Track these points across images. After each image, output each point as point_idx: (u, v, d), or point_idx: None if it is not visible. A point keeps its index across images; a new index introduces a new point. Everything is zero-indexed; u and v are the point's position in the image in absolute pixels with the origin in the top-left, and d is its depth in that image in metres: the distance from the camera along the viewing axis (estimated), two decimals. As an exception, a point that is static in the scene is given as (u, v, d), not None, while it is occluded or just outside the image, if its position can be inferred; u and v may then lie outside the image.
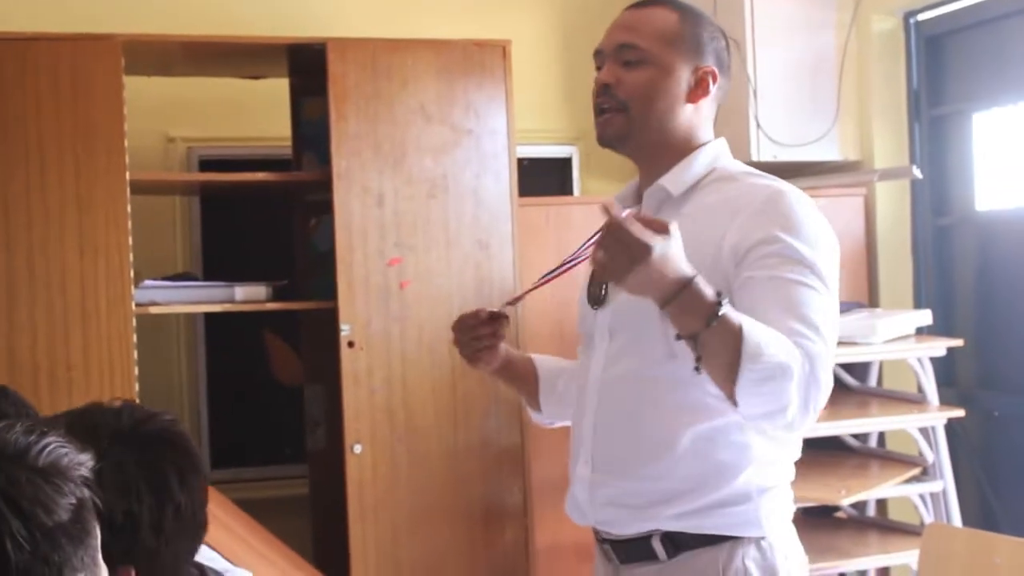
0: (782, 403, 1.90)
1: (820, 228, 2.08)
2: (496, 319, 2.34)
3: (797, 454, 2.22)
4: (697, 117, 2.23)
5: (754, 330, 1.87)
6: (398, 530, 4.04)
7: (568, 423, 2.46)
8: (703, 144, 2.24)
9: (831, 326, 2.01)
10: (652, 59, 2.17)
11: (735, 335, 1.85)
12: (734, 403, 1.93)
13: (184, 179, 4.61)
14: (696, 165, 2.21)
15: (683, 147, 2.22)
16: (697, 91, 2.21)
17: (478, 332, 2.33)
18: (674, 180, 2.20)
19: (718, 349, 1.87)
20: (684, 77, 2.19)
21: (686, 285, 1.85)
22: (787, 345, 1.90)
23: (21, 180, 3.73)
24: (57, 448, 1.55)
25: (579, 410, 2.30)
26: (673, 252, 1.84)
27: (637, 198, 2.31)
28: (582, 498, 2.25)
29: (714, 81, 2.22)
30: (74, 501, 1.52)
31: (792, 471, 2.22)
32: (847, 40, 4.66)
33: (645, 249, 1.80)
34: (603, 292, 2.23)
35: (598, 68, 2.25)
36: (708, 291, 1.86)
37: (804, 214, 2.07)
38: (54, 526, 1.42)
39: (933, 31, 4.62)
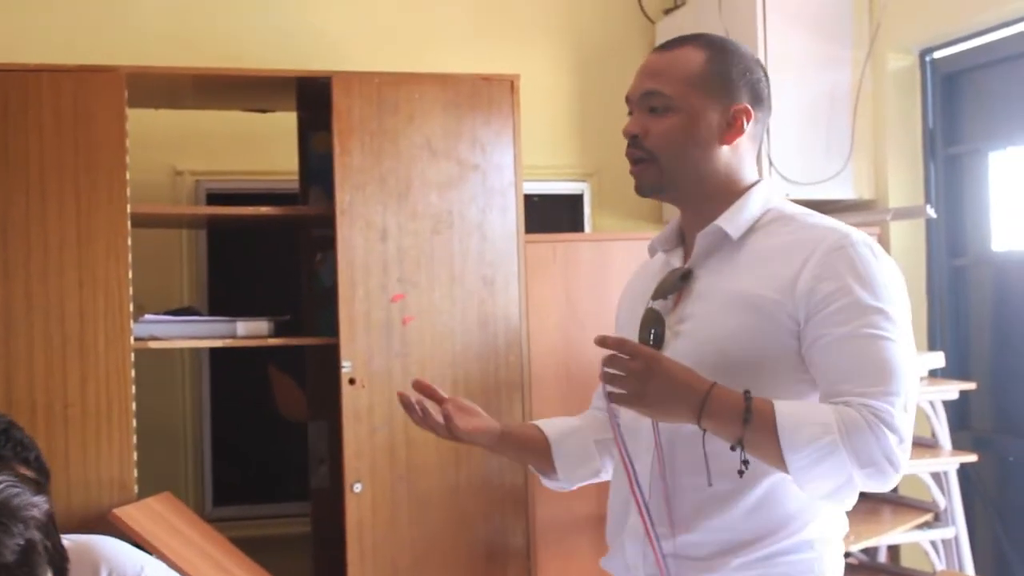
0: (843, 477, 1.89)
1: (890, 274, 2.03)
2: (441, 399, 2.34)
3: (852, 505, 2.14)
4: (735, 157, 2.16)
5: (789, 416, 1.90)
6: (398, 572, 3.97)
7: (587, 483, 2.41)
8: (751, 184, 2.18)
9: (909, 371, 1.96)
10: (678, 105, 2.12)
11: (772, 428, 1.89)
12: (802, 489, 1.96)
13: (185, 212, 4.57)
14: (751, 206, 2.15)
15: (726, 188, 2.16)
16: (731, 132, 2.13)
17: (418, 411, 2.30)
18: (731, 221, 2.14)
19: (761, 446, 1.92)
20: (714, 119, 2.12)
21: (709, 391, 1.91)
22: (826, 419, 1.88)
23: (21, 211, 3.70)
24: (8, 488, 1.49)
25: (629, 462, 2.20)
26: (680, 366, 1.94)
27: (679, 240, 2.26)
28: (633, 552, 2.17)
29: (748, 119, 2.13)
30: (22, 543, 1.46)
31: (846, 522, 2.17)
32: (862, 77, 4.60)
33: (654, 357, 1.91)
34: (652, 337, 2.14)
35: (629, 114, 2.21)
36: (732, 392, 1.91)
37: (873, 261, 2.01)
38: None
39: (949, 69, 4.56)
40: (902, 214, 4.40)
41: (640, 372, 1.91)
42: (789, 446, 1.88)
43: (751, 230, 2.13)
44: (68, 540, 2.43)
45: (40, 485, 2.08)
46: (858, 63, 4.61)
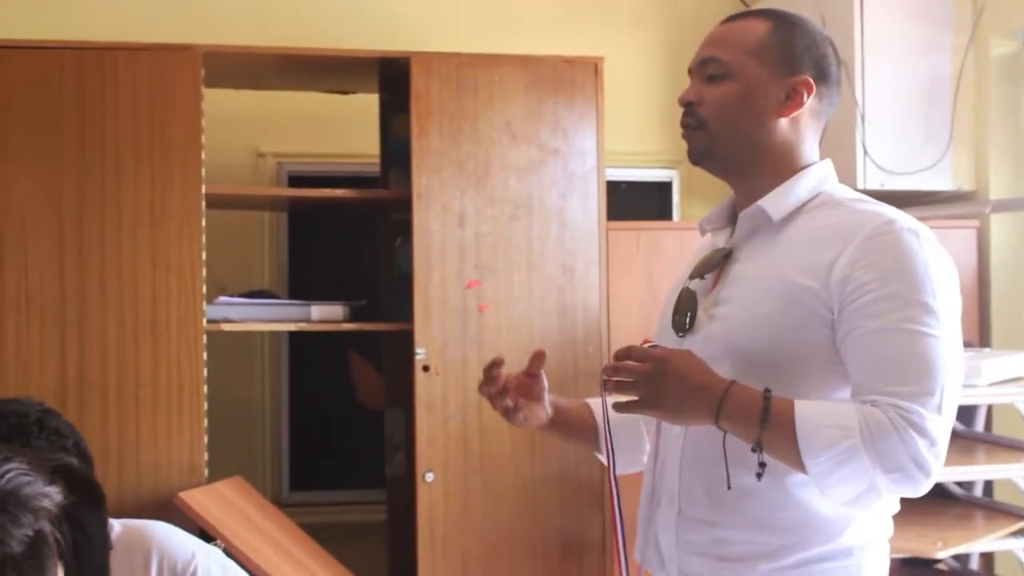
0: (865, 483, 1.82)
1: (935, 262, 1.90)
2: (532, 375, 2.23)
3: (896, 507, 2.06)
4: (795, 132, 2.07)
5: (809, 419, 1.82)
6: (469, 563, 3.90)
7: (631, 472, 2.33)
8: (807, 165, 2.09)
9: (949, 370, 1.84)
10: (735, 73, 2.04)
11: (791, 430, 1.82)
12: (824, 494, 1.89)
13: (261, 193, 4.53)
14: (800, 188, 2.06)
15: (782, 165, 2.07)
16: (790, 104, 2.05)
17: (499, 385, 2.22)
18: (775, 203, 2.05)
19: (780, 448, 1.85)
20: (772, 90, 2.04)
21: (726, 391, 1.85)
22: (848, 422, 1.80)
23: (96, 191, 3.68)
24: (18, 476, 1.44)
25: (660, 449, 2.13)
26: (695, 365, 1.88)
27: (731, 218, 2.17)
28: (667, 544, 2.09)
29: (809, 92, 2.05)
30: (30, 533, 1.41)
31: (891, 526, 2.06)
32: (963, 63, 4.42)
33: (662, 359, 1.85)
34: (688, 319, 2.08)
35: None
36: (750, 390, 1.85)
37: (917, 247, 1.90)
38: (3, 557, 1.32)
39: (1055, 55, 4.37)
40: (1003, 206, 4.22)
41: (651, 375, 1.85)
42: (807, 450, 1.80)
43: (796, 212, 2.04)
44: (121, 525, 2.40)
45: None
46: (959, 49, 4.43)
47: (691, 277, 2.12)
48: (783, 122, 2.06)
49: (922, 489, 1.82)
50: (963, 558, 4.14)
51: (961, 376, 1.89)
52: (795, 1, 4.41)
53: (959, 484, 4.16)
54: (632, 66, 4.95)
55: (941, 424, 1.80)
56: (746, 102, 2.04)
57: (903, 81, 4.41)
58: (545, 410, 2.26)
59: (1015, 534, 3.84)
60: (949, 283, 1.90)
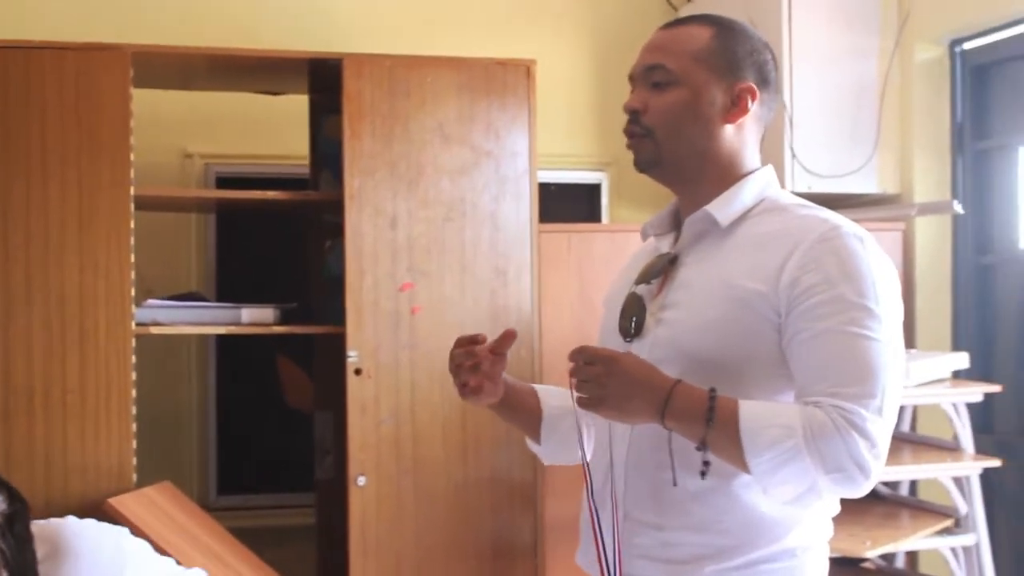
0: (806, 483, 1.84)
1: (879, 267, 1.92)
2: (500, 354, 2.21)
3: (836, 509, 2.08)
4: (739, 139, 2.09)
5: (753, 419, 1.84)
6: (402, 567, 3.88)
7: (567, 464, 2.33)
8: (750, 171, 2.10)
9: (890, 373, 1.86)
10: (681, 80, 2.05)
11: (735, 429, 1.84)
12: (766, 494, 1.92)
13: (190, 195, 4.47)
14: (745, 194, 2.07)
15: (726, 171, 2.09)
16: (735, 110, 2.07)
17: (476, 360, 2.19)
18: (722, 208, 2.06)
19: (724, 447, 1.86)
20: (718, 97, 2.06)
21: (672, 390, 1.87)
22: (791, 422, 1.82)
23: (21, 192, 3.61)
24: None
25: (602, 452, 2.14)
26: (641, 365, 1.90)
27: (674, 224, 2.18)
28: (611, 548, 2.08)
29: (753, 98, 2.07)
30: None
31: (831, 528, 2.08)
32: (889, 68, 4.48)
33: (610, 359, 1.88)
34: (634, 323, 2.09)
35: (631, 91, 2.13)
36: (696, 390, 1.87)
37: (862, 253, 1.92)
38: None
39: (980, 60, 4.44)
40: (928, 209, 4.28)
41: (599, 375, 1.87)
42: (751, 449, 1.82)
43: (742, 218, 2.05)
44: (37, 525, 2.39)
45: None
46: (885, 54, 4.49)
47: (637, 282, 2.13)
48: (728, 128, 2.08)
49: (862, 490, 1.84)
50: (889, 556, 4.20)
51: (902, 379, 1.92)
52: (724, 5, 4.46)
53: (885, 484, 4.22)
54: (562, 69, 4.95)
55: (882, 426, 1.83)
56: (693, 109, 2.05)
57: (830, 85, 4.46)
58: (499, 388, 2.25)
59: (940, 532, 3.90)
60: (891, 288, 1.93)
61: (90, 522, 3.03)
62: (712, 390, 1.85)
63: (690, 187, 2.11)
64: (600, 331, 2.23)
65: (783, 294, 1.91)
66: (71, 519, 2.96)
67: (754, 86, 2.07)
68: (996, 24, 4.27)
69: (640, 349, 2.03)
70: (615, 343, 2.09)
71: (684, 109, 2.05)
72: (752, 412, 1.84)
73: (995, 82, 4.42)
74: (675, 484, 1.97)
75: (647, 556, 2.03)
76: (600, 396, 1.88)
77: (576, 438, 2.31)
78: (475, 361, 2.19)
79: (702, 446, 1.85)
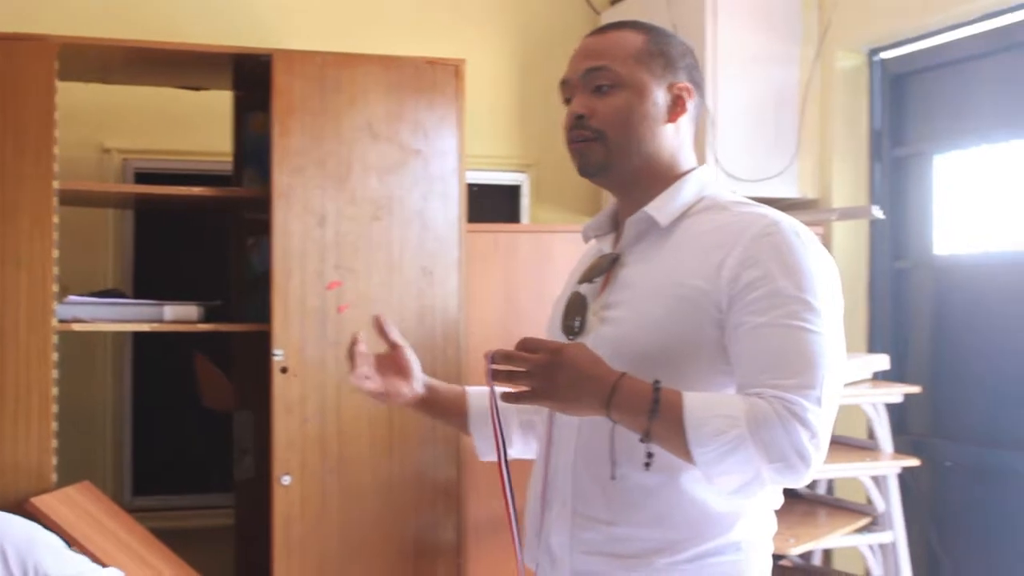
0: (751, 472, 1.84)
1: (818, 262, 1.96)
2: (394, 351, 2.29)
3: (778, 503, 2.11)
4: (678, 138, 2.12)
5: (696, 409, 1.85)
6: (326, 566, 3.85)
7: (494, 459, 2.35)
8: (689, 170, 2.13)
9: (830, 364, 1.89)
10: (625, 81, 2.08)
11: (679, 420, 1.84)
12: (710, 483, 1.93)
13: (117, 191, 4.39)
14: (684, 193, 2.10)
15: (666, 171, 2.11)
16: (675, 109, 2.10)
17: (368, 368, 2.28)
18: (661, 208, 2.08)
19: (669, 438, 1.87)
20: (660, 97, 2.09)
21: (617, 382, 1.87)
22: (735, 412, 1.84)
23: (-60, 184, 3.53)
24: None
25: (550, 449, 2.15)
26: (587, 357, 1.89)
27: (613, 225, 2.21)
28: (558, 543, 2.11)
29: (690, 97, 2.12)
30: None
31: (775, 522, 2.12)
32: (810, 76, 4.56)
33: (556, 350, 1.87)
34: (578, 322, 2.11)
35: (565, 100, 2.15)
36: (641, 382, 1.87)
37: (801, 248, 1.95)
38: None
39: (897, 70, 4.54)
40: (849, 214, 4.36)
41: (545, 365, 1.87)
42: (695, 439, 1.83)
43: (682, 217, 2.08)
44: None
45: None
46: (807, 61, 4.57)
47: (580, 281, 2.16)
48: (669, 128, 2.10)
49: (804, 479, 1.86)
50: (806, 554, 4.27)
51: (842, 372, 1.94)
52: (648, 10, 4.52)
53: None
54: (485, 70, 4.96)
55: (822, 416, 1.85)
56: (640, 110, 2.08)
57: (753, 91, 4.52)
58: (411, 388, 2.30)
59: (859, 530, 3.97)
60: (830, 282, 1.96)
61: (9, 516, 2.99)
62: (656, 382, 1.86)
63: (632, 189, 2.14)
64: (546, 331, 2.24)
65: (724, 290, 1.94)
66: None
67: (690, 85, 2.11)
68: (914, 35, 4.38)
69: None
70: (559, 340, 2.11)
71: (632, 110, 2.07)
72: (696, 403, 1.86)
73: (912, 91, 4.53)
74: (613, 478, 2.00)
75: (597, 552, 2.05)
76: (545, 388, 1.88)
77: (512, 433, 2.35)
78: (355, 365, 2.26)
79: (646, 438, 1.86)
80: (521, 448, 2.38)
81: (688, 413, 1.84)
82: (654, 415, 1.85)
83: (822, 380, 1.86)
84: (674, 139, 2.11)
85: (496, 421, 2.11)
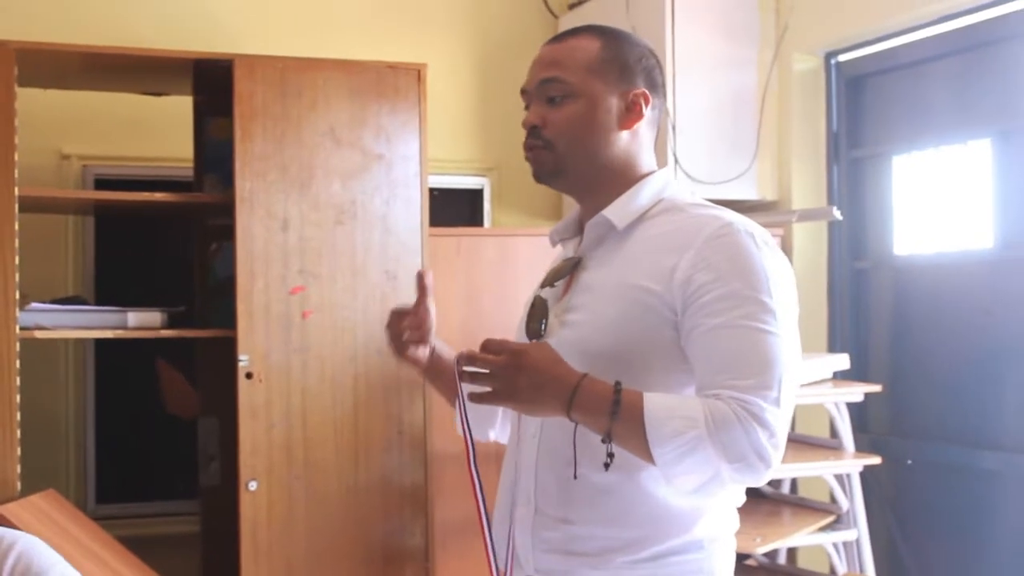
0: (710, 472, 1.86)
1: (772, 262, 1.98)
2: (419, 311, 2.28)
3: (740, 500, 2.13)
4: (635, 143, 2.14)
5: (657, 410, 1.86)
6: (293, 571, 3.84)
7: (480, 439, 2.37)
8: (647, 173, 2.15)
9: (786, 365, 1.91)
10: (578, 92, 2.10)
11: (639, 421, 1.85)
12: (670, 484, 1.94)
13: (77, 197, 4.37)
14: (641, 196, 2.12)
15: (624, 175, 2.13)
16: (629, 116, 2.12)
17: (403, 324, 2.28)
18: (618, 212, 2.11)
19: (629, 439, 1.88)
20: (613, 105, 2.11)
21: (579, 383, 1.88)
22: (694, 414, 1.85)
23: (-100, 192, 3.50)
24: None
25: (512, 449, 2.17)
26: (549, 358, 1.91)
27: (578, 229, 2.23)
28: (522, 543, 2.12)
29: (647, 103, 2.13)
30: None
31: (737, 520, 2.14)
32: (768, 78, 4.60)
33: (518, 352, 1.89)
34: (543, 326, 2.13)
35: (527, 108, 2.17)
36: (602, 384, 1.89)
37: (754, 248, 1.97)
38: None
39: (854, 72, 4.58)
40: (808, 216, 4.40)
41: (507, 367, 1.88)
42: (655, 440, 1.84)
43: (640, 220, 2.10)
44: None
45: None
46: (764, 64, 4.61)
47: (542, 285, 2.19)
48: (624, 134, 2.12)
49: (763, 479, 1.88)
50: (771, 553, 4.30)
51: (798, 372, 1.97)
52: (607, 15, 4.55)
53: (768, 482, 4.31)
54: (445, 74, 4.96)
55: (780, 416, 1.87)
56: (591, 120, 2.10)
57: (711, 94, 4.56)
58: (426, 351, 2.31)
59: (824, 529, 4.01)
60: (785, 283, 1.98)
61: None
62: (617, 383, 1.88)
63: (589, 193, 2.16)
64: (515, 334, 2.26)
65: (677, 292, 1.96)
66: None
67: (646, 91, 2.13)
68: (869, 38, 4.42)
69: None
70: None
71: (582, 121, 2.10)
72: (656, 404, 1.87)
73: (868, 93, 4.57)
74: (575, 477, 2.01)
75: (557, 550, 2.07)
76: (507, 389, 1.89)
77: (486, 417, 2.37)
78: (401, 329, 2.28)
79: (607, 438, 1.88)
80: (503, 432, 2.40)
81: (648, 414, 1.85)
82: (615, 416, 1.86)
83: (779, 380, 1.88)
84: (630, 144, 2.13)
85: (465, 421, 2.13)
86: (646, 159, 2.16)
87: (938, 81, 4.26)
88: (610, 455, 1.88)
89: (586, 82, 2.09)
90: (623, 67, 2.12)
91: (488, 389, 1.91)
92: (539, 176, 2.15)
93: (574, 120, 2.09)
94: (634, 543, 2.01)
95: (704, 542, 2.03)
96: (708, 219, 2.02)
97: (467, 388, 1.99)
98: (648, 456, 1.87)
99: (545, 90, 2.11)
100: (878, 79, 4.52)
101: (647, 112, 2.13)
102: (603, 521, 2.02)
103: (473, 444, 2.11)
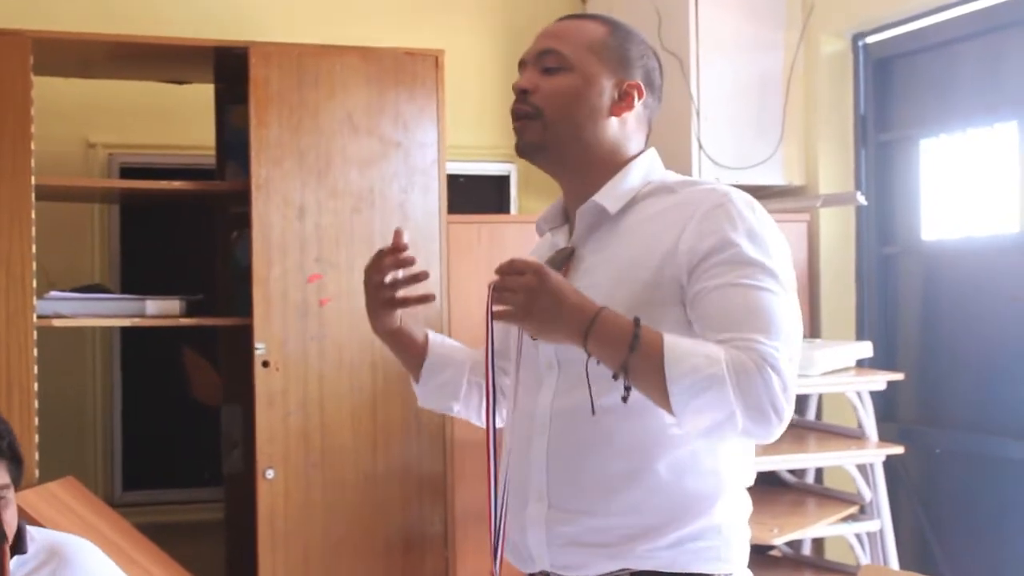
0: (724, 412, 1.82)
1: (770, 229, 1.97)
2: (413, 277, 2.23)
3: (750, 480, 2.10)
4: (623, 133, 2.11)
5: (676, 346, 1.83)
6: (311, 560, 3.85)
7: (439, 412, 2.40)
8: (633, 157, 2.12)
9: (791, 325, 1.90)
10: (573, 66, 2.07)
11: (658, 355, 1.81)
12: (681, 424, 1.88)
13: (94, 185, 4.40)
14: (630, 178, 2.09)
15: (610, 162, 2.10)
16: (621, 104, 2.10)
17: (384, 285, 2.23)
18: (609, 196, 2.08)
19: (645, 373, 1.83)
20: (607, 89, 2.08)
21: (598, 313, 1.84)
22: (714, 354, 1.82)
23: (-84, 182, 3.53)
24: None
25: (521, 446, 2.12)
26: (571, 287, 1.88)
27: (563, 218, 2.19)
28: (535, 541, 2.07)
29: (640, 96, 2.11)
30: None
31: (750, 503, 2.10)
32: (794, 61, 4.53)
33: (542, 273, 1.84)
34: None
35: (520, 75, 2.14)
36: (621, 317, 1.84)
37: (753, 217, 1.96)
38: None
39: (882, 54, 4.50)
40: (832, 201, 4.33)
41: (529, 286, 1.84)
42: (672, 373, 1.80)
43: (631, 203, 2.08)
44: (44, 535, 2.41)
45: None
46: (790, 47, 4.54)
47: None
48: (613, 121, 2.10)
49: (774, 433, 1.85)
50: (796, 544, 4.25)
51: (800, 336, 1.94)
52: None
53: (792, 472, 4.27)
54: (470, 59, 4.94)
55: (792, 373, 1.85)
56: (582, 95, 2.07)
57: (736, 77, 4.49)
58: (396, 314, 2.28)
59: (846, 519, 3.95)
60: (784, 250, 1.97)
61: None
62: (636, 319, 1.85)
63: (573, 177, 2.13)
64: (504, 332, 2.22)
65: (683, 265, 1.94)
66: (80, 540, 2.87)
67: (641, 84, 2.11)
68: (898, 18, 4.34)
69: (548, 345, 2.04)
70: (524, 341, 2.08)
71: (574, 94, 2.07)
72: (676, 341, 1.84)
73: (897, 75, 4.49)
74: (593, 413, 1.96)
75: (575, 543, 2.02)
76: (526, 308, 1.85)
77: (451, 390, 2.32)
78: (382, 276, 2.22)
79: (623, 372, 1.84)
80: (467, 407, 2.37)
81: (668, 349, 1.82)
82: (633, 349, 1.82)
83: (786, 337, 1.87)
84: (617, 132, 2.11)
85: (490, 367, 2.04)
86: (633, 151, 2.14)
87: (967, 62, 4.17)
88: (627, 388, 1.85)
89: (584, 59, 2.08)
90: (623, 57, 2.11)
91: (508, 308, 1.87)
92: (523, 148, 2.12)
93: (566, 91, 2.07)
94: (655, 529, 1.98)
95: (722, 527, 2.00)
96: (705, 192, 2.01)
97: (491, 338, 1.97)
98: (662, 392, 1.82)
99: (542, 60, 2.09)
100: (906, 60, 4.44)
101: (638, 105, 2.11)
102: (623, 511, 1.99)
103: (494, 407, 2.05)
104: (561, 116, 2.07)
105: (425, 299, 2.23)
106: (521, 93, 2.10)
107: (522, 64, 2.15)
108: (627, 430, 1.96)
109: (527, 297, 1.85)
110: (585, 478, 2.01)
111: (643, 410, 1.92)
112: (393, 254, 2.21)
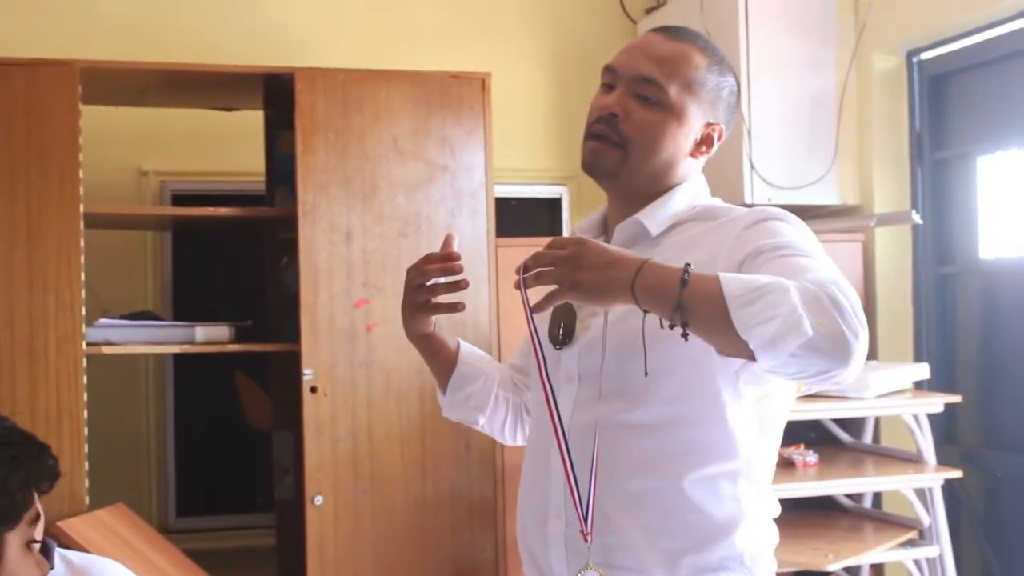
0: (791, 320, 1.66)
1: (817, 243, 1.91)
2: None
3: (776, 511, 2.04)
4: (693, 169, 2.10)
5: (733, 279, 1.72)
6: (360, 587, 3.83)
7: (464, 423, 2.33)
8: (680, 181, 2.09)
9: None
10: (672, 105, 2.02)
11: (713, 282, 1.71)
12: (750, 355, 1.71)
13: (142, 212, 4.42)
14: (675, 202, 2.06)
15: (667, 188, 2.08)
16: (702, 146, 2.07)
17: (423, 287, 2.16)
18: (653, 217, 2.04)
19: (701, 304, 1.71)
20: (695, 130, 2.05)
21: (644, 262, 1.77)
22: (781, 280, 1.70)
23: (-32, 211, 3.56)
24: None
25: (540, 461, 2.09)
26: (609, 245, 1.82)
27: (602, 228, 2.16)
28: (556, 557, 2.04)
29: (719, 139, 2.08)
30: None
31: (776, 534, 2.04)
32: (847, 79, 4.47)
33: (580, 241, 1.79)
34: (561, 330, 2.05)
35: (606, 84, 2.07)
36: (667, 264, 1.77)
37: (793, 229, 1.92)
38: None
39: (937, 71, 4.43)
40: (887, 220, 4.26)
41: (570, 257, 1.78)
42: (730, 289, 1.69)
43: (672, 227, 2.04)
44: (76, 556, 2.40)
45: None
46: (843, 64, 4.48)
47: None
48: (690, 160, 2.08)
49: (852, 350, 1.68)
50: (854, 570, 4.17)
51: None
52: (683, 17, 4.46)
53: (849, 496, 4.19)
54: (520, 82, 4.93)
55: (855, 298, 1.72)
56: (673, 136, 2.03)
57: (788, 96, 4.44)
58: (431, 319, 2.26)
59: (904, 544, 3.87)
60: (821, 247, 1.91)
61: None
62: (687, 264, 1.76)
63: (632, 200, 2.09)
64: (523, 343, 2.19)
65: (723, 268, 1.86)
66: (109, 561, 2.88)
67: (723, 127, 2.08)
68: (952, 34, 4.27)
69: (570, 356, 2.02)
70: (547, 351, 2.04)
71: (665, 134, 2.03)
72: (732, 276, 1.75)
73: (952, 92, 4.42)
74: (646, 374, 1.91)
75: (603, 564, 1.98)
76: (572, 277, 1.78)
77: (480, 403, 2.28)
78: (423, 279, 2.15)
79: (678, 311, 1.73)
80: (494, 421, 2.33)
81: (725, 281, 1.72)
82: (685, 284, 1.72)
83: (845, 280, 1.76)
84: (690, 170, 2.09)
85: (536, 342, 1.97)
86: (691, 177, 2.11)
87: (1023, 78, 4.09)
88: (684, 325, 1.73)
89: (682, 99, 2.02)
90: (716, 96, 2.06)
91: (554, 285, 1.81)
92: (593, 169, 2.06)
93: (659, 131, 2.02)
94: (674, 555, 1.93)
95: (744, 557, 1.95)
96: (745, 212, 1.98)
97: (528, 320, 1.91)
98: (721, 317, 1.70)
99: (640, 87, 2.03)
100: (961, 77, 4.36)
101: (715, 148, 2.09)
102: (643, 531, 1.95)
103: (553, 390, 1.96)
104: (647, 152, 2.03)
105: (453, 307, 2.18)
106: (609, 115, 2.04)
107: (610, 70, 2.08)
108: (648, 448, 1.92)
109: (571, 266, 1.78)
110: (607, 497, 1.97)
111: (665, 427, 1.91)
112: (442, 260, 2.14)
